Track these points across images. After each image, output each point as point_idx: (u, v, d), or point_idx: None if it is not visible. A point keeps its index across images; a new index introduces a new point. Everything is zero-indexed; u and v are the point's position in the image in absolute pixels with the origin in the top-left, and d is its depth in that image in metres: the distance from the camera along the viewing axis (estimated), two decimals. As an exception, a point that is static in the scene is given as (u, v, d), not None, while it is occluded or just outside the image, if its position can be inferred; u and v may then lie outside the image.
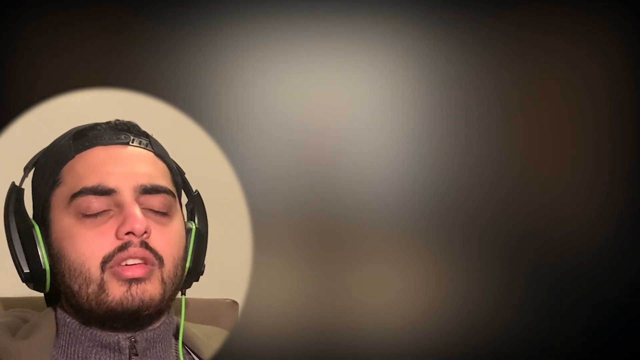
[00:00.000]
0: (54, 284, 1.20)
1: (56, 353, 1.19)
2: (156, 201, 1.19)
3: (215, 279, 1.29)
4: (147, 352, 1.20)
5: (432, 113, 1.22)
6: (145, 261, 1.16)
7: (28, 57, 1.20)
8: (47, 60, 1.21)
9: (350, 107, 1.23)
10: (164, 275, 1.18)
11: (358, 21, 1.21)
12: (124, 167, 1.19)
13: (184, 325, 1.24)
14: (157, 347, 1.21)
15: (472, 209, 1.20)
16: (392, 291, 1.21)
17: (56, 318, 1.21)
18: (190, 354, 1.25)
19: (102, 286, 1.15)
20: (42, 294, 1.26)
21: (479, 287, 1.19)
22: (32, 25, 1.19)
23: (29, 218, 1.21)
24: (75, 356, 1.18)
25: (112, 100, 1.50)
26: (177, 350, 1.23)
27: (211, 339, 1.28)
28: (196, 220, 1.26)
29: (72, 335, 1.19)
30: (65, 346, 1.19)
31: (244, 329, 1.27)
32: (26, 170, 1.24)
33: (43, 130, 1.60)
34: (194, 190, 1.28)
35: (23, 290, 1.35)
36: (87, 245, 1.16)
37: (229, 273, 1.30)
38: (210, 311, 1.39)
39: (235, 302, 1.46)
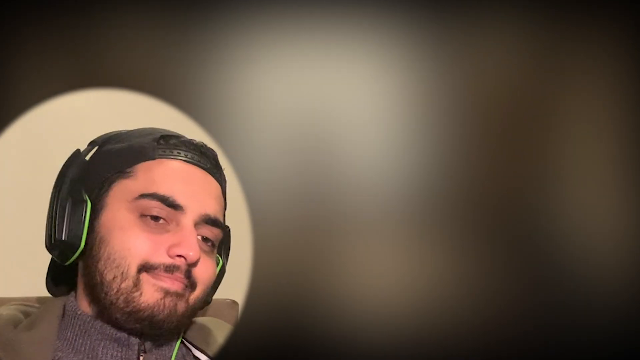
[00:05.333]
0: (76, 262, 1.20)
1: (61, 345, 1.18)
2: (211, 233, 1.22)
3: (215, 279, 1.29)
4: (154, 349, 1.21)
5: (428, 108, 1.22)
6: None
7: (28, 57, 1.20)
8: (47, 60, 1.21)
9: (347, 105, 1.23)
10: (191, 298, 1.20)
11: (356, 20, 1.21)
12: (198, 191, 1.21)
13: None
14: (164, 345, 1.23)
15: (466, 196, 1.20)
16: (394, 291, 1.21)
17: (65, 309, 1.21)
18: (190, 348, 1.26)
19: (137, 284, 1.16)
20: (42, 295, 1.26)
21: (475, 270, 1.19)
22: (32, 25, 1.19)
23: (84, 192, 1.20)
24: (83, 348, 1.18)
25: (113, 100, 1.51)
26: (180, 344, 1.25)
27: (210, 329, 1.29)
28: (222, 255, 1.29)
29: (81, 328, 1.19)
30: (72, 338, 1.19)
31: (244, 329, 1.27)
32: (93, 144, 1.24)
33: (43, 130, 1.60)
34: (226, 225, 1.29)
35: (22, 291, 1.35)
36: (135, 243, 1.17)
37: (229, 273, 1.30)
38: (210, 311, 1.39)
39: (235, 302, 1.46)
